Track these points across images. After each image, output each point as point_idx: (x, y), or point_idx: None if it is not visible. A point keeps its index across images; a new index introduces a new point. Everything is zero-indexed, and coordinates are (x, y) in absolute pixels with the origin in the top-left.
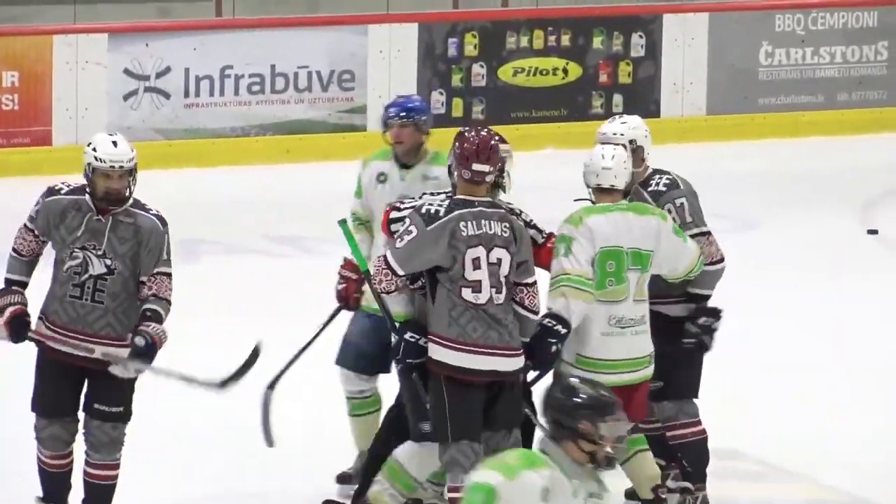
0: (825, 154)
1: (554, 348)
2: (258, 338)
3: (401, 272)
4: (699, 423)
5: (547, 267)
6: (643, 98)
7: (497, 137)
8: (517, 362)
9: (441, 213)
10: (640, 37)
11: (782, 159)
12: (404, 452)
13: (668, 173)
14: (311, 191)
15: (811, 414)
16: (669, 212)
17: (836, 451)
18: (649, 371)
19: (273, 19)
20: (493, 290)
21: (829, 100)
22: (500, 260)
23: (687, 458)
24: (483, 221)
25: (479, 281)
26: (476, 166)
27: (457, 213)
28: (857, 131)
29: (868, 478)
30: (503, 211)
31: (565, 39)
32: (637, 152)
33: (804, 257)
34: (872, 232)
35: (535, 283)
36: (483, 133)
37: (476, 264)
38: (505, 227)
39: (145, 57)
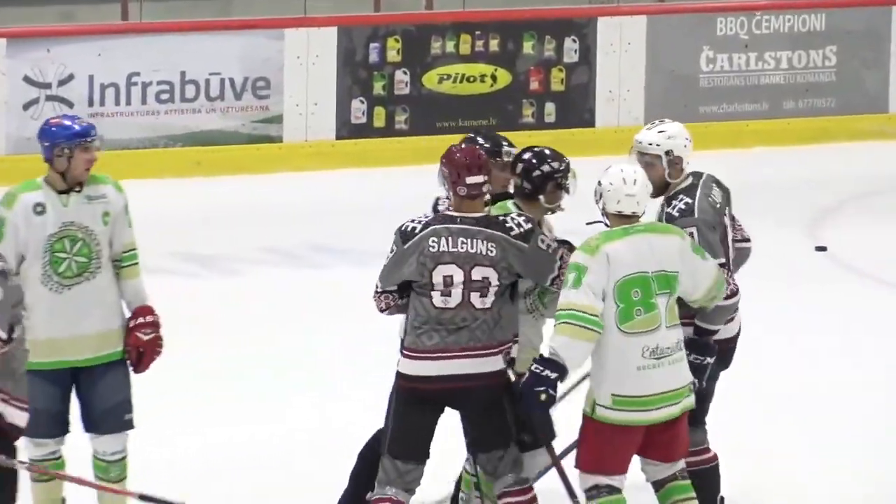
0: (771, 165)
1: (543, 396)
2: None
3: (380, 288)
4: (709, 449)
5: None
6: (577, 106)
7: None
8: (478, 364)
9: (417, 230)
10: (574, 41)
11: (725, 170)
12: None
13: (686, 196)
14: (223, 205)
15: (774, 424)
16: None
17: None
18: (691, 401)
19: (182, 23)
20: (476, 294)
21: (774, 108)
22: (485, 278)
23: (701, 485)
24: (462, 239)
25: (448, 296)
26: (470, 179)
27: (430, 228)
28: (804, 141)
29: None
30: (492, 231)
31: (494, 44)
32: (675, 163)
33: (758, 267)
34: (821, 249)
35: (558, 276)
36: (467, 146)
37: (447, 281)
38: (491, 246)
39: (46, 63)
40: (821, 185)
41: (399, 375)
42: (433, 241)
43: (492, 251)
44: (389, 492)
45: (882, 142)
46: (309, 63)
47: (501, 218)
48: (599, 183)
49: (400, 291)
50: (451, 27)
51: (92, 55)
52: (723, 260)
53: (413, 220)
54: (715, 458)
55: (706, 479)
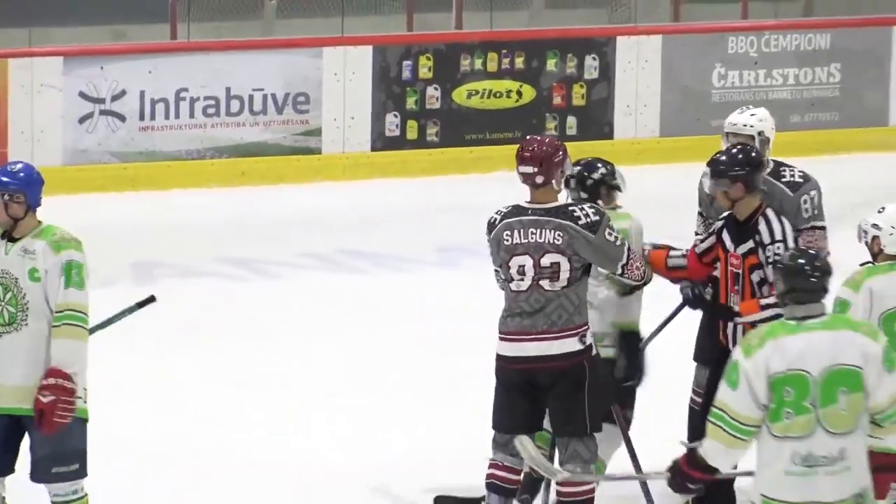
0: None
1: None
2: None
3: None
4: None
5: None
6: (597, 120)
7: (546, 141)
8: (555, 345)
9: (496, 222)
10: (594, 59)
11: None
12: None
13: (793, 167)
14: (265, 213)
15: None
16: (805, 202)
17: None
18: None
19: (228, 42)
20: (546, 280)
21: (781, 121)
22: (555, 264)
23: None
24: (532, 230)
25: (521, 280)
26: (520, 168)
27: (504, 221)
28: (809, 153)
29: None
30: (560, 221)
31: (519, 62)
32: (765, 143)
33: None
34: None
35: (627, 264)
36: (533, 137)
37: (521, 271)
38: (558, 234)
39: (100, 80)
40: (827, 194)
41: (496, 357)
42: (507, 234)
43: (558, 240)
44: (497, 457)
45: (883, 153)
46: (346, 79)
47: (571, 208)
48: (877, 226)
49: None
50: (480, 46)
51: (143, 72)
52: (825, 223)
53: (496, 212)
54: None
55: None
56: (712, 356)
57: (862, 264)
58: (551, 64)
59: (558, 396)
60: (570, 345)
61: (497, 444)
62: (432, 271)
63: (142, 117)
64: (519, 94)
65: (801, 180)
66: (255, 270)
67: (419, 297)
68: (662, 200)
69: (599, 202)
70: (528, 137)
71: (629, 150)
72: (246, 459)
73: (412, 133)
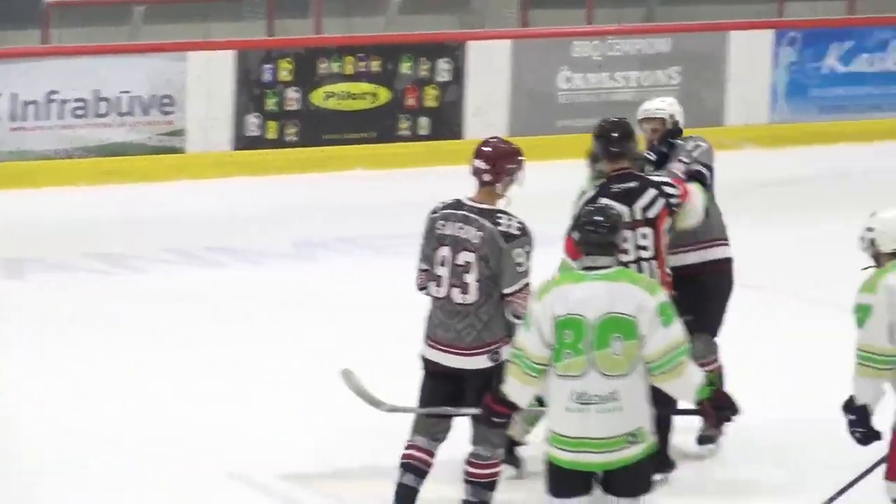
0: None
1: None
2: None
3: (420, 266)
4: (716, 360)
5: None
6: (448, 121)
7: (507, 144)
8: (466, 361)
9: (436, 211)
10: (446, 63)
11: (582, 179)
12: None
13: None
14: (132, 211)
15: None
16: (690, 147)
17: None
18: None
19: (97, 46)
20: (457, 289)
21: None
22: (468, 264)
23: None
24: (460, 225)
25: (441, 277)
26: (474, 162)
27: (442, 212)
28: None
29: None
30: (484, 221)
31: (375, 65)
32: (675, 127)
33: None
34: None
35: (517, 291)
36: (497, 137)
37: (442, 262)
38: (478, 234)
39: None
40: None
41: (421, 356)
42: (441, 224)
43: (477, 239)
44: (418, 440)
45: (720, 152)
46: (209, 82)
47: (500, 214)
48: (870, 228)
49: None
50: (337, 50)
51: (15, 75)
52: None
53: (440, 202)
54: (720, 367)
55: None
56: None
57: (864, 269)
58: (405, 67)
59: (474, 389)
60: (480, 362)
61: (419, 426)
62: (291, 265)
63: (13, 118)
64: (374, 96)
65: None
66: (123, 265)
67: (279, 289)
68: (513, 197)
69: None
70: (495, 136)
71: None
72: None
73: (272, 133)
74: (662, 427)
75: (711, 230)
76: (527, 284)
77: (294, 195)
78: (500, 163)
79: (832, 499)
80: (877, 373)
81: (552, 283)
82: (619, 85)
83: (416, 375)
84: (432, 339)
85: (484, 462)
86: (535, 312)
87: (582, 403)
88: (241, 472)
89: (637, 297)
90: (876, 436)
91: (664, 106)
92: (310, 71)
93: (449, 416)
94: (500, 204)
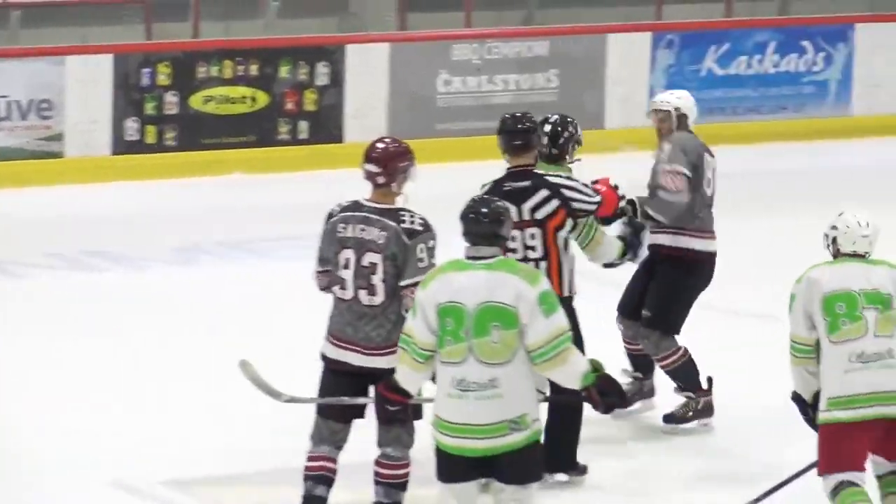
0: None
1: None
2: None
3: (318, 269)
4: (677, 350)
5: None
6: (327, 125)
7: (396, 144)
8: (376, 361)
9: (334, 214)
10: (325, 66)
11: (460, 182)
12: None
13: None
14: (11, 215)
15: None
16: (661, 152)
17: None
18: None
19: None
20: (363, 291)
21: None
22: (373, 265)
23: (680, 380)
24: (362, 227)
25: (345, 280)
26: (365, 166)
27: (341, 215)
28: None
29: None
30: (387, 221)
31: (254, 69)
32: (682, 119)
33: None
34: None
35: (413, 284)
36: (384, 138)
37: (346, 264)
38: (382, 234)
39: None
40: None
41: (321, 354)
42: (342, 227)
43: (381, 239)
44: (323, 449)
45: (599, 154)
46: (87, 86)
47: (402, 212)
48: (834, 227)
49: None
50: (216, 54)
51: None
52: (682, 169)
53: (337, 205)
54: (686, 353)
55: (683, 372)
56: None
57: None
58: (284, 71)
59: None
60: (390, 361)
61: (322, 434)
62: (171, 270)
63: None
64: (253, 99)
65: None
66: (2, 271)
67: (160, 295)
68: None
69: (566, 157)
70: (381, 137)
71: (359, 153)
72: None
73: (151, 137)
74: (571, 429)
75: (703, 221)
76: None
77: (174, 200)
78: (391, 164)
79: (764, 496)
80: (798, 361)
81: (437, 271)
82: (499, 88)
83: (301, 375)
84: (338, 337)
85: (394, 462)
86: (421, 299)
87: (461, 390)
88: (124, 480)
89: (516, 286)
90: (814, 426)
91: (671, 98)
92: (188, 75)
93: (348, 421)
94: (399, 202)
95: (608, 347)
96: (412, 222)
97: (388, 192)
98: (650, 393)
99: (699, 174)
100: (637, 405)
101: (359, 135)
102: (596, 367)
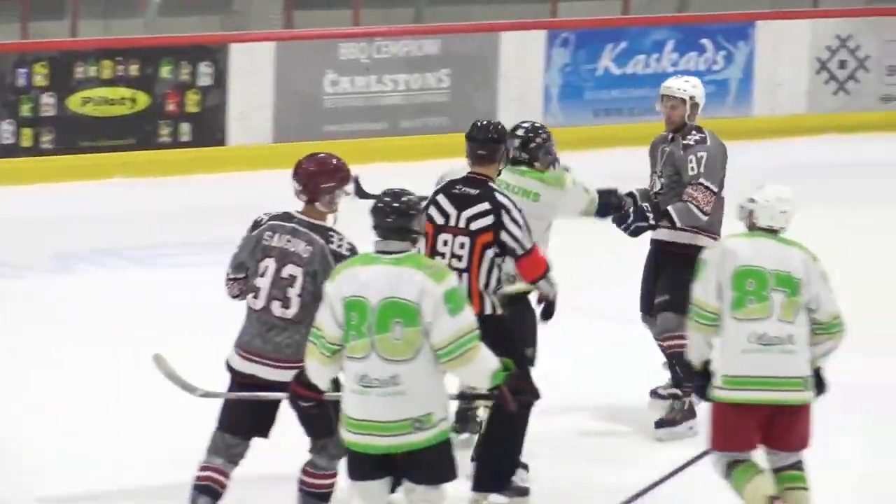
0: (389, 181)
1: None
2: None
3: (230, 275)
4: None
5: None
6: (211, 127)
7: (321, 163)
8: (285, 374)
9: (262, 221)
10: (208, 66)
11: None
12: None
13: (702, 130)
14: None
15: None
16: (690, 161)
17: None
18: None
19: None
20: (278, 302)
21: (392, 126)
22: (292, 277)
23: (679, 364)
24: (289, 238)
25: (260, 289)
26: (292, 180)
27: (269, 223)
28: (419, 157)
29: None
30: (315, 237)
31: (133, 69)
32: (695, 108)
33: None
34: None
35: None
36: (314, 155)
37: (263, 273)
38: (308, 248)
39: None
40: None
41: (227, 366)
42: (268, 235)
43: (306, 253)
44: (216, 461)
45: None
46: None
47: (332, 232)
48: (752, 200)
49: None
50: (94, 53)
51: None
52: (714, 188)
53: (265, 213)
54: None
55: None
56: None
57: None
58: (165, 71)
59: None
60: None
61: (217, 446)
62: (49, 278)
63: None
64: (133, 101)
65: (692, 143)
66: None
67: (37, 303)
68: (283, 204)
69: (537, 164)
70: (314, 153)
71: (243, 155)
72: None
73: (27, 140)
74: (509, 444)
75: (713, 222)
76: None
77: (51, 205)
78: (311, 182)
79: (654, 485)
80: (701, 328)
81: (346, 264)
82: (388, 88)
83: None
84: (247, 350)
85: (318, 472)
86: (329, 292)
87: (364, 386)
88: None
89: (420, 283)
90: (703, 394)
91: (686, 87)
92: (66, 75)
93: (247, 437)
94: (329, 221)
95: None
96: (340, 246)
97: (315, 209)
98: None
99: (722, 184)
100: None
101: (243, 137)
102: (507, 366)
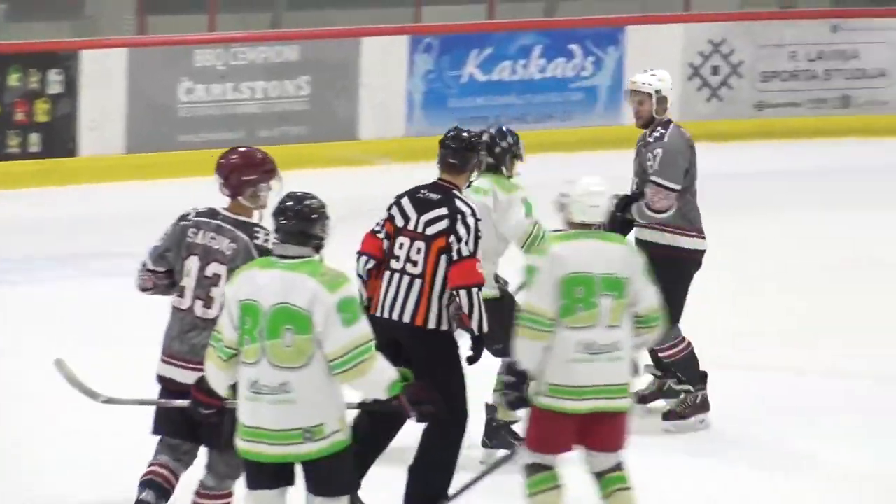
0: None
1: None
2: None
3: (148, 266)
4: (683, 340)
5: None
6: (61, 136)
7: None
8: (195, 376)
9: (188, 217)
10: (58, 74)
11: (203, 197)
12: None
13: (667, 126)
14: None
15: None
16: (649, 160)
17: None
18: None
19: None
20: (200, 302)
21: (250, 136)
22: (216, 276)
23: (681, 371)
24: (213, 235)
25: (184, 287)
26: (215, 175)
27: (195, 219)
28: (279, 167)
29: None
30: (239, 233)
31: None
32: (662, 102)
33: None
34: None
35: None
36: (238, 147)
37: (188, 273)
38: (231, 245)
39: None
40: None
41: (157, 376)
42: (193, 231)
43: (229, 250)
44: (161, 458)
45: (353, 168)
46: None
47: (256, 228)
48: (564, 195)
49: (167, 274)
50: None
51: None
52: (677, 186)
53: (193, 208)
54: (689, 345)
55: (684, 364)
56: None
57: (553, 231)
58: (13, 79)
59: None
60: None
61: (165, 445)
62: None
63: None
64: None
65: (652, 140)
66: None
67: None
68: (134, 217)
69: (503, 168)
70: (236, 147)
71: (95, 166)
72: None
73: None
74: (439, 459)
75: (691, 219)
76: None
77: None
78: (233, 176)
79: (467, 487)
80: (535, 335)
81: (245, 267)
82: (245, 96)
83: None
84: (167, 354)
85: (207, 492)
86: (227, 295)
87: (255, 392)
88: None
89: (313, 290)
90: (524, 403)
91: (652, 80)
92: None
93: (185, 438)
94: (255, 217)
95: None
96: (266, 241)
97: (240, 204)
98: (672, 392)
99: (691, 175)
100: (660, 402)
101: (95, 147)
102: (405, 376)
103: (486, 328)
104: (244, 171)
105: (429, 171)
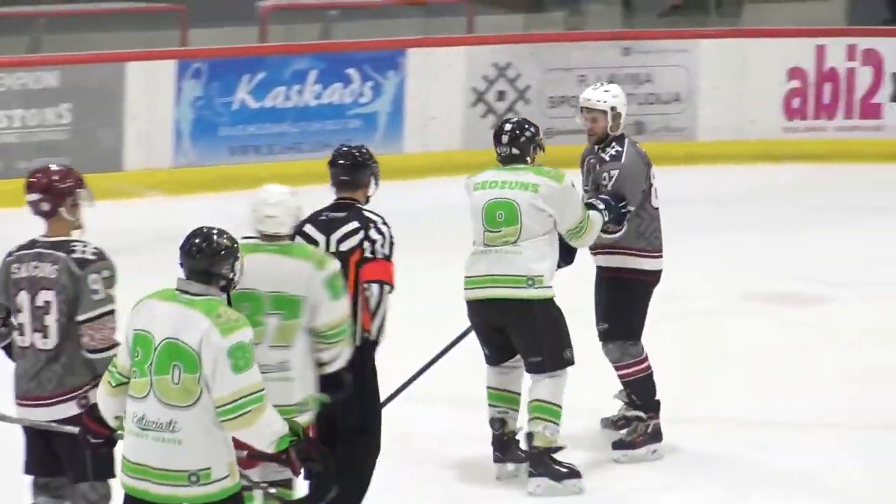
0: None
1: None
2: None
3: None
4: (644, 361)
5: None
6: None
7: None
8: (49, 412)
9: (10, 254)
10: None
11: None
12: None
13: (622, 143)
14: None
15: None
16: (604, 179)
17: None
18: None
19: None
20: (38, 334)
21: (8, 168)
22: (48, 304)
23: (636, 393)
24: (35, 263)
25: (22, 324)
26: (27, 197)
27: (16, 254)
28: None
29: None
30: (59, 254)
31: None
32: (617, 118)
33: None
34: None
35: (90, 319)
36: (43, 165)
37: (20, 309)
38: (54, 269)
39: None
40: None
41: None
42: (16, 267)
43: (53, 274)
44: (40, 500)
45: (117, 200)
46: None
47: (73, 242)
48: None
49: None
50: None
51: None
52: (631, 208)
53: (15, 245)
54: (649, 368)
55: (641, 386)
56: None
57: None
58: None
59: (63, 444)
60: (67, 410)
61: (38, 486)
62: None
63: None
64: None
65: (608, 158)
66: None
67: None
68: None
69: (528, 159)
70: (38, 167)
71: None
72: None
73: None
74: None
75: (650, 239)
76: (106, 314)
77: None
78: (53, 187)
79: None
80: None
81: (147, 296)
82: (2, 126)
83: None
84: (18, 396)
85: None
86: (125, 321)
87: (141, 427)
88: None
89: (204, 331)
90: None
91: (606, 97)
92: None
93: (53, 474)
94: (76, 233)
95: None
96: (83, 252)
97: (61, 222)
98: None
99: (647, 196)
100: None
101: None
102: (295, 430)
103: (383, 335)
104: (60, 181)
105: (197, 203)
